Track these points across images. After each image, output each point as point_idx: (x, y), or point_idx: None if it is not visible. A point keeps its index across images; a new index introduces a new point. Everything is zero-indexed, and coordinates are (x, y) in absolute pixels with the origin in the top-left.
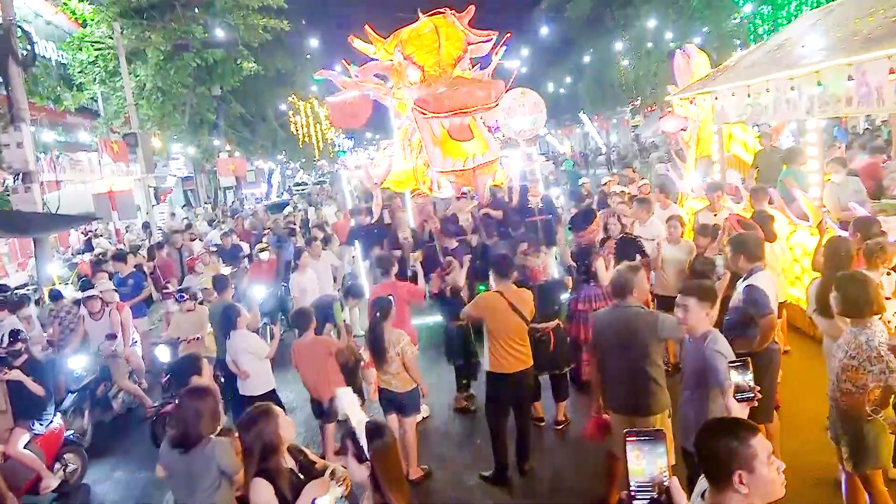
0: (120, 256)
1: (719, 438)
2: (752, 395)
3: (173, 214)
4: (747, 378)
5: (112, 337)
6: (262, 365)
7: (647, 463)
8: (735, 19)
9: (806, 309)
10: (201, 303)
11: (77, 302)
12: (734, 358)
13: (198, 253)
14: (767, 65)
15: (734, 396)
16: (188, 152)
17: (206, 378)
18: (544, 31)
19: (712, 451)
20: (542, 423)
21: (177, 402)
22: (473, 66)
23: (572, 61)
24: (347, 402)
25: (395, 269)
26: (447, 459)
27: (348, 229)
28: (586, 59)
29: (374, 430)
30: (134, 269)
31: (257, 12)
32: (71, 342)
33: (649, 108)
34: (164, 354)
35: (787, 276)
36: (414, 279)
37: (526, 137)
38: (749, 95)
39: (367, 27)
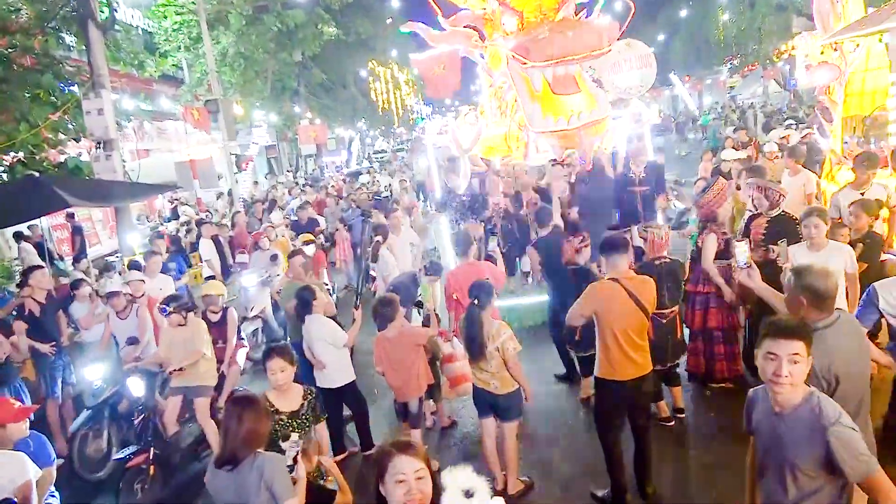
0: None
1: None
2: None
3: (256, 182)
4: None
5: (133, 341)
6: (340, 354)
7: None
8: None
9: None
10: (205, 313)
11: None
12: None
13: (265, 226)
14: None
15: None
16: (270, 120)
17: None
18: None
19: None
20: (672, 424)
21: (224, 412)
22: (578, 14)
23: (665, 17)
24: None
25: (474, 249)
26: (552, 469)
27: (438, 199)
28: (682, 13)
29: None
30: (169, 254)
31: None
32: (94, 347)
33: (749, 67)
34: (136, 387)
35: None
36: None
37: (634, 96)
38: None
39: None
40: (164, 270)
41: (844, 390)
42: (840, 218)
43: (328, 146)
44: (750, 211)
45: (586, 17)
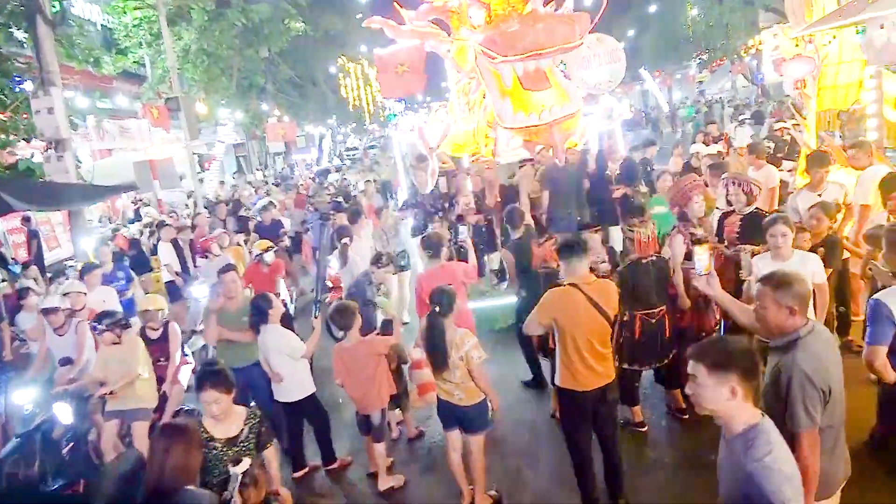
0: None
1: None
2: None
3: (222, 182)
4: None
5: (68, 362)
6: (298, 366)
7: None
8: None
9: None
10: (143, 330)
11: None
12: (796, 475)
13: (219, 231)
14: None
15: None
16: (236, 118)
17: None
18: None
19: None
20: (645, 429)
21: (150, 443)
22: (548, 4)
23: (635, 13)
24: None
25: (445, 252)
26: (521, 482)
27: (405, 199)
28: (652, 9)
29: None
30: (115, 262)
31: None
32: (32, 366)
33: (717, 62)
34: (64, 413)
35: None
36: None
37: (604, 91)
38: None
39: None
40: (115, 281)
41: (834, 402)
42: (800, 221)
43: (297, 144)
44: (719, 208)
45: (555, 11)
